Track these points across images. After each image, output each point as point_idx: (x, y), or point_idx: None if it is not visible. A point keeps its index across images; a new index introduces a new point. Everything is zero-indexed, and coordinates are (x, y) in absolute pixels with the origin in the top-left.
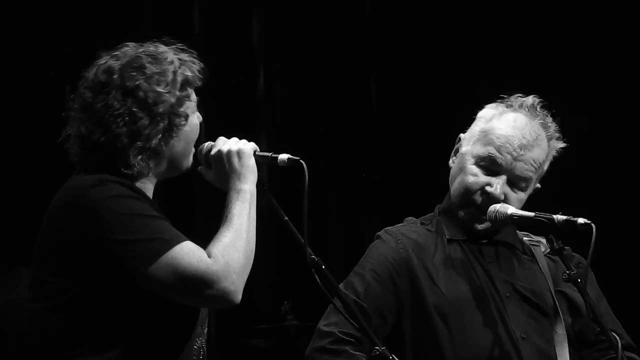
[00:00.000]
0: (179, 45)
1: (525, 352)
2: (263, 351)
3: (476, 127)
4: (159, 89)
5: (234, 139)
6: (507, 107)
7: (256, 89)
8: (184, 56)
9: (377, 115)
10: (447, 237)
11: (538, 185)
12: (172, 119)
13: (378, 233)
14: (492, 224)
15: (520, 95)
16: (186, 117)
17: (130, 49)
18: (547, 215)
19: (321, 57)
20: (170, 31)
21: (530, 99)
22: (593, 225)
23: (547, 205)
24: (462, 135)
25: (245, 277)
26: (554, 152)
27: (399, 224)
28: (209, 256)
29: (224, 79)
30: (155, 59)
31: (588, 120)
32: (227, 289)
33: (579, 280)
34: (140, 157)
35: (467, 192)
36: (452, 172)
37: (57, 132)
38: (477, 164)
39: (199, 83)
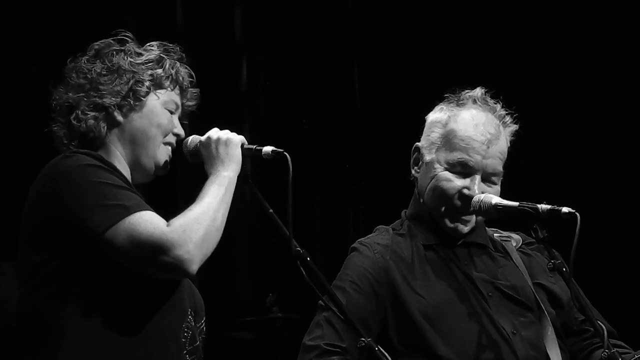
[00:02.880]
0: (174, 47)
1: (517, 346)
2: (248, 344)
3: (434, 133)
4: (130, 59)
5: (226, 130)
6: (458, 105)
7: (239, 81)
8: (172, 55)
9: (360, 107)
10: (421, 242)
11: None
12: (134, 86)
13: (353, 245)
14: (476, 214)
15: (467, 90)
16: (151, 87)
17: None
18: (531, 205)
19: (304, 48)
20: (153, 23)
21: (477, 92)
22: (577, 214)
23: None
24: (418, 144)
25: (205, 252)
26: (509, 137)
27: (371, 234)
28: (168, 225)
29: (207, 70)
30: (141, 46)
31: (576, 115)
32: (182, 257)
33: (564, 269)
34: (92, 113)
35: (445, 197)
36: (420, 182)
37: (37, 127)
38: (448, 170)
39: (184, 88)
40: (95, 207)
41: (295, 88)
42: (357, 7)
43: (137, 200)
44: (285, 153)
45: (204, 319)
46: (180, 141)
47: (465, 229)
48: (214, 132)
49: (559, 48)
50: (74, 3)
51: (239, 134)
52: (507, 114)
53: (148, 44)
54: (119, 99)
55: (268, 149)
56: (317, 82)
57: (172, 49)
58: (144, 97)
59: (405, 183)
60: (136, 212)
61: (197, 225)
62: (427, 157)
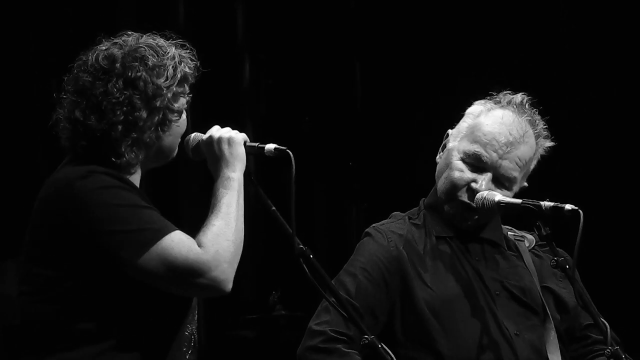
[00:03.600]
0: (179, 40)
1: (519, 348)
2: (252, 342)
3: (464, 123)
4: (159, 82)
5: (227, 128)
6: (495, 103)
7: (241, 80)
8: (184, 52)
9: (361, 105)
10: (435, 234)
11: (525, 184)
12: (166, 114)
13: (367, 230)
14: (479, 211)
15: (509, 92)
16: (180, 113)
17: (131, 38)
18: (535, 202)
19: (306, 47)
20: (155, 21)
21: (519, 97)
22: (580, 211)
23: (534, 194)
24: (450, 131)
25: (235, 266)
26: (541, 151)
27: (387, 220)
28: (199, 245)
29: (209, 69)
30: (156, 51)
31: (576, 115)
32: (218, 278)
33: (567, 266)
34: (131, 147)
35: (453, 187)
36: (438, 167)
37: (41, 126)
38: (463, 160)
39: (193, 80)
40: (123, 234)
41: (297, 86)
42: (358, 5)
43: (163, 221)
44: (288, 151)
45: (196, 309)
46: (182, 138)
47: (464, 225)
48: (216, 131)
49: (559, 48)
50: (74, 3)
51: (240, 132)
52: (544, 128)
53: (159, 46)
54: (153, 128)
55: (271, 146)
56: (319, 80)
57: (184, 50)
58: (175, 122)
59: (407, 181)
60: (166, 234)
61: (227, 243)
62: (450, 144)
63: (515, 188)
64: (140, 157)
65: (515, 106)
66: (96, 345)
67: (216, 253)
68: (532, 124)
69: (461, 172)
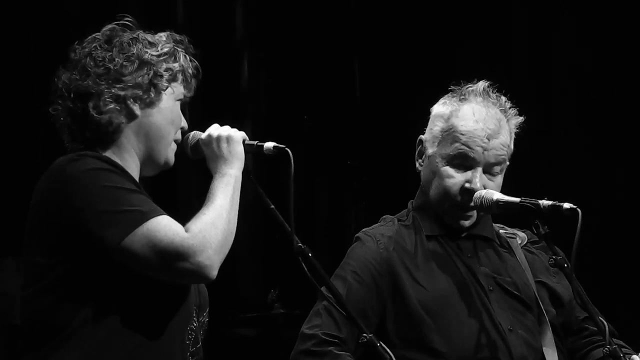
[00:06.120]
0: (181, 37)
1: (513, 344)
2: (250, 340)
3: (436, 127)
4: (145, 49)
5: (226, 127)
6: (460, 100)
7: (241, 78)
8: (182, 47)
9: (361, 103)
10: (425, 233)
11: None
12: (154, 79)
13: (357, 235)
14: (477, 210)
15: (469, 84)
16: (169, 80)
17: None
18: (533, 201)
19: (305, 45)
20: (154, 19)
21: (480, 85)
22: (579, 210)
23: (533, 193)
24: (422, 137)
25: (222, 256)
26: (514, 129)
27: (377, 224)
28: (187, 231)
29: (208, 67)
30: (150, 34)
31: (576, 114)
32: (202, 263)
33: (566, 265)
34: (113, 105)
35: (448, 194)
36: (423, 175)
37: (41, 126)
38: (449, 164)
39: (190, 80)
40: (109, 214)
41: (297, 84)
42: (358, 3)
43: (152, 205)
44: (287, 149)
45: (207, 310)
46: (181, 136)
47: (467, 223)
48: (215, 130)
49: (559, 47)
50: (74, 3)
51: (239, 130)
52: (511, 107)
53: (157, 34)
54: (140, 92)
55: (269, 144)
56: (319, 78)
57: (180, 39)
58: (164, 91)
59: (407, 179)
60: (153, 217)
61: (215, 230)
62: (430, 151)
63: (504, 171)
64: (123, 121)
65: (480, 97)
66: (92, 339)
67: (203, 239)
68: (501, 107)
69: (451, 177)
